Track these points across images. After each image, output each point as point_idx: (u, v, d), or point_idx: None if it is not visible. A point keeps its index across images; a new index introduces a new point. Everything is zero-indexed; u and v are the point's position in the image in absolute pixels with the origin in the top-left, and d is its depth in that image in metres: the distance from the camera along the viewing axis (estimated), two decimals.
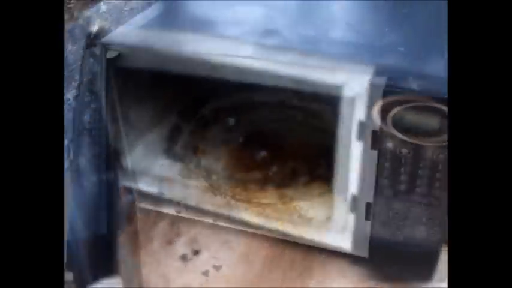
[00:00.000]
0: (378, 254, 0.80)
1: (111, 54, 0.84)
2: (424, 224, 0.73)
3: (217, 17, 0.90)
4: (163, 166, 0.99)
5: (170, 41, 0.84)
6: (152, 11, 0.96)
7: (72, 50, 0.88)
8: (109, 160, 0.71)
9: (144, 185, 0.96)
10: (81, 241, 0.61)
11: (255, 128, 1.09)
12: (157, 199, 0.98)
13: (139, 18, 0.94)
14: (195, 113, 1.12)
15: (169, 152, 1.02)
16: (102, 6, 0.94)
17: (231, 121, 1.11)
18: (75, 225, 0.62)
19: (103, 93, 0.78)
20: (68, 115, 0.85)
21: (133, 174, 0.97)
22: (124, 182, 0.97)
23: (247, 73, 1.13)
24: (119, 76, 0.86)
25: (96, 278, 0.69)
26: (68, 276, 0.66)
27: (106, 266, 0.70)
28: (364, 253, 0.81)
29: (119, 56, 0.84)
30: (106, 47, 0.84)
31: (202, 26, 0.89)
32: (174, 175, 0.96)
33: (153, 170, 0.97)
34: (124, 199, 0.98)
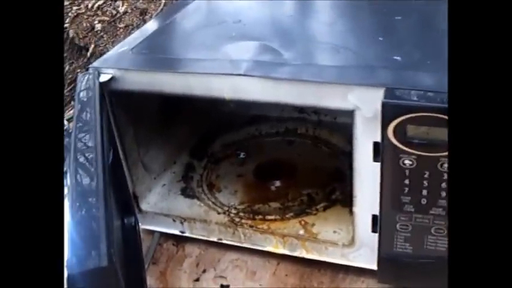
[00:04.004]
0: (391, 267, 0.81)
1: (104, 78, 0.82)
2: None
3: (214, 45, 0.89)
4: (182, 206, 1.00)
5: (165, 63, 0.85)
6: (142, 33, 0.96)
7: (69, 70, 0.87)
8: (105, 187, 0.69)
9: (165, 227, 0.98)
10: (80, 274, 0.60)
11: (266, 159, 1.10)
12: (180, 238, 0.99)
13: (133, 39, 0.94)
14: (205, 150, 1.14)
15: (186, 191, 1.03)
16: (97, 25, 0.93)
17: (242, 154, 1.13)
18: (73, 257, 0.61)
19: (96, 118, 0.74)
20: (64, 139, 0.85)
21: (152, 216, 0.98)
22: (144, 225, 0.98)
23: (255, 105, 1.17)
24: (114, 99, 0.85)
25: None
26: None
27: None
28: (387, 269, 0.82)
29: (112, 79, 0.83)
30: (98, 71, 0.83)
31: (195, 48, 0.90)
32: (194, 214, 0.97)
33: (172, 211, 0.98)
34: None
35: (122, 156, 0.90)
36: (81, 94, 0.79)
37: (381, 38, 0.85)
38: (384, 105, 0.68)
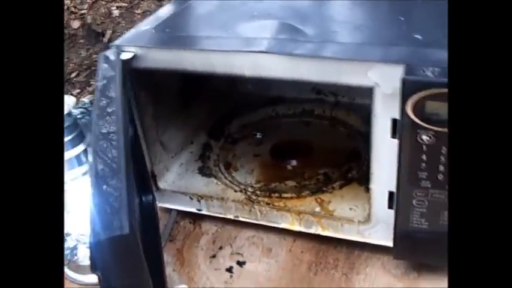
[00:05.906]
0: (406, 243, 0.82)
1: (126, 56, 0.83)
2: None
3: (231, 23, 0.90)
4: (199, 184, 1.01)
5: (186, 41, 0.85)
6: (164, 13, 0.97)
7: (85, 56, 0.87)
8: (127, 164, 0.69)
9: (182, 205, 0.99)
10: (103, 242, 0.61)
11: (282, 139, 1.12)
12: (197, 216, 1.00)
13: (155, 18, 0.95)
14: (222, 130, 1.15)
15: (203, 170, 1.05)
16: (115, 11, 0.92)
17: (258, 135, 1.14)
18: (96, 227, 0.62)
19: (119, 95, 0.74)
20: (84, 119, 0.86)
21: (170, 195, 0.99)
22: (161, 203, 1.00)
23: (273, 86, 1.17)
24: (135, 77, 0.86)
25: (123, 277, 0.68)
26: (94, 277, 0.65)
27: (132, 266, 0.69)
28: (403, 245, 0.83)
29: (134, 57, 0.83)
30: (120, 49, 0.83)
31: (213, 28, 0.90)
32: (211, 192, 0.98)
33: (190, 189, 0.99)
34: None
35: (140, 134, 0.92)
36: (103, 73, 0.80)
37: (402, 18, 0.86)
38: (403, 81, 0.69)
